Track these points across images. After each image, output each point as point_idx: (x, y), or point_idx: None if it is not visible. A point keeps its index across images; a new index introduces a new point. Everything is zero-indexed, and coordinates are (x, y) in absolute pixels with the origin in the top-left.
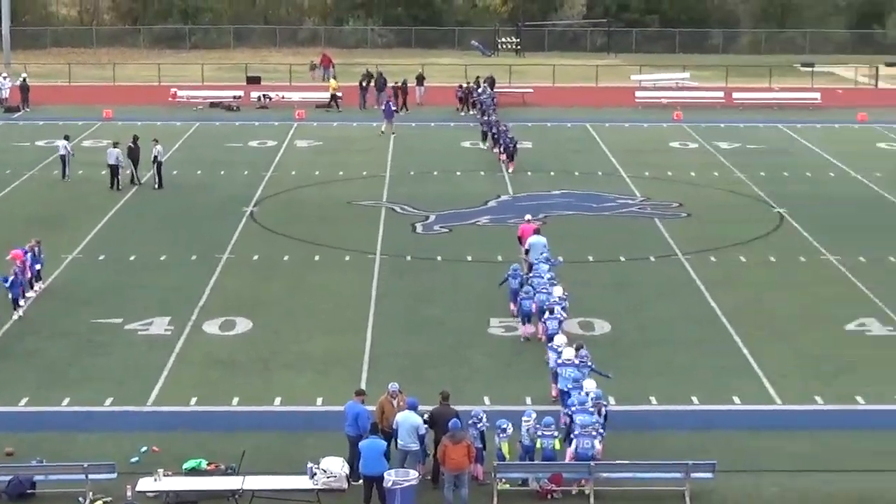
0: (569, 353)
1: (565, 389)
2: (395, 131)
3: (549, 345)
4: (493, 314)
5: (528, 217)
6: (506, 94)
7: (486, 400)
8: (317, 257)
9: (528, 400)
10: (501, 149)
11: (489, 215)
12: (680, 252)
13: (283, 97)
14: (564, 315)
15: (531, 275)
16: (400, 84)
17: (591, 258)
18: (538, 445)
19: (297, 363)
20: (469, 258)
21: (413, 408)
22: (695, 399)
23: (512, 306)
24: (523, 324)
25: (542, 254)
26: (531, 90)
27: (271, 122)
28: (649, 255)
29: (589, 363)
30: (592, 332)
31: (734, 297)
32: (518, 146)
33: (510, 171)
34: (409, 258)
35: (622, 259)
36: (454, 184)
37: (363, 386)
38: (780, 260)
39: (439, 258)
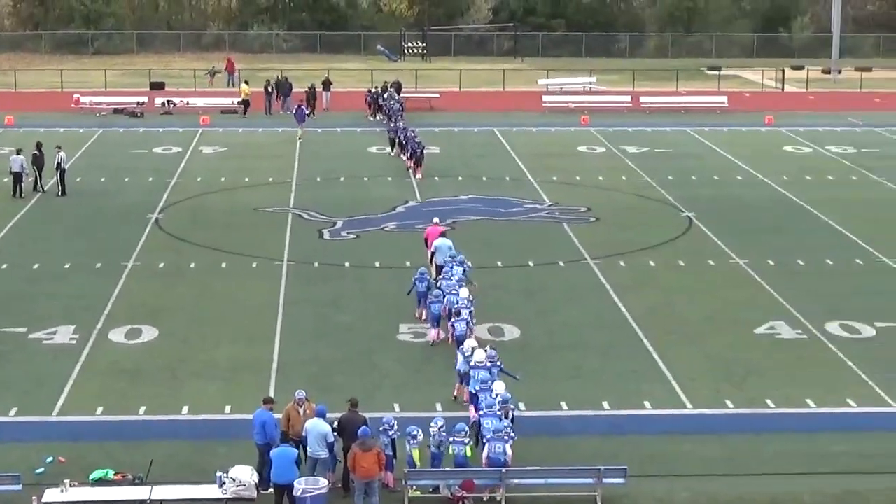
0: (480, 355)
1: (474, 391)
2: (302, 136)
3: (459, 348)
4: (403, 320)
5: (435, 220)
6: (412, 99)
7: (396, 407)
8: (223, 264)
9: (439, 406)
10: (409, 154)
11: (397, 221)
12: (589, 257)
13: (187, 103)
14: (472, 319)
15: (440, 277)
16: (309, 89)
17: (499, 263)
18: (450, 452)
19: (204, 371)
20: (377, 264)
21: (322, 415)
22: (605, 404)
23: (418, 311)
24: (433, 327)
25: (451, 256)
26: (438, 95)
27: (176, 128)
28: (558, 260)
29: (498, 363)
30: (502, 337)
31: (644, 301)
32: (425, 151)
33: (418, 177)
34: (316, 265)
35: (531, 264)
36: (361, 189)
37: (272, 394)
38: (689, 264)
39: (347, 264)
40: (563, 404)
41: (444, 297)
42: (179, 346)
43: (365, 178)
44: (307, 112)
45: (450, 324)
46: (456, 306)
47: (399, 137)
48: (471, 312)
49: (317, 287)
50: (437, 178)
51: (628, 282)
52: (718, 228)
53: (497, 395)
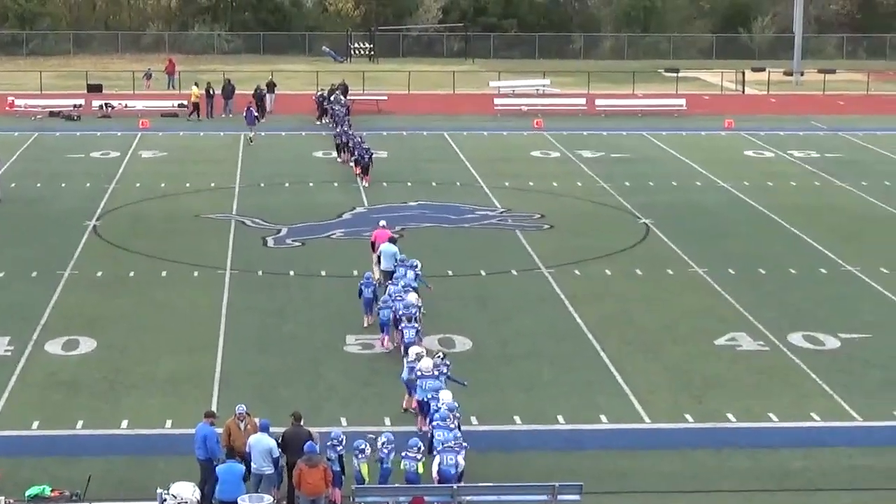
0: (427, 363)
1: (426, 400)
2: (254, 139)
3: (404, 356)
4: (350, 331)
5: (382, 223)
6: (359, 102)
7: (344, 420)
8: (164, 273)
9: (388, 420)
10: (356, 161)
11: (344, 228)
12: (543, 265)
13: (126, 106)
14: (419, 325)
15: (388, 283)
16: (256, 91)
17: (450, 272)
18: (401, 467)
19: (144, 384)
20: (323, 273)
21: (265, 429)
22: (560, 418)
23: (366, 318)
24: (382, 331)
25: (400, 260)
26: (386, 97)
27: (114, 132)
28: (511, 269)
29: (445, 370)
30: (453, 348)
31: (599, 311)
32: (374, 157)
33: (365, 184)
34: (260, 273)
35: (483, 273)
36: (307, 195)
37: (214, 407)
38: (646, 272)
39: (292, 273)
40: (517, 418)
41: (392, 302)
42: (118, 357)
43: (310, 184)
44: (256, 114)
45: (398, 329)
46: (404, 312)
47: (345, 142)
48: (418, 318)
49: (261, 296)
50: (385, 184)
51: (584, 291)
52: (677, 236)
53: (443, 403)
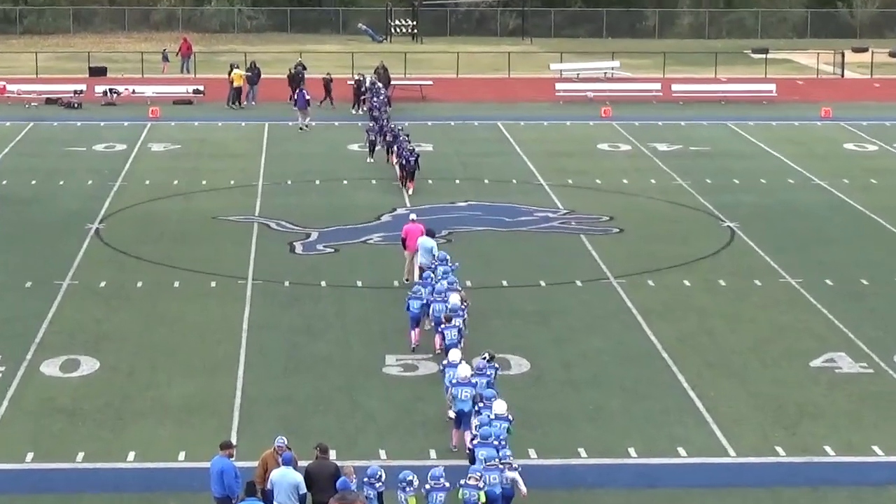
0: (464, 371)
1: (464, 412)
2: (308, 126)
3: (443, 361)
4: (390, 350)
5: (413, 216)
6: (401, 88)
7: (383, 454)
8: (176, 283)
9: (433, 453)
10: (400, 164)
11: (383, 232)
12: (612, 275)
13: (133, 92)
14: (465, 327)
15: (420, 280)
16: (295, 71)
17: (504, 283)
18: (459, 496)
19: (154, 411)
20: (360, 283)
21: (288, 463)
22: (632, 451)
23: (414, 336)
24: (412, 328)
25: (436, 257)
26: (431, 82)
27: (120, 121)
28: (575, 279)
29: (488, 373)
30: (508, 370)
31: (677, 328)
32: (419, 158)
33: (410, 192)
34: (287, 284)
35: (542, 284)
36: (340, 195)
37: (234, 438)
38: (731, 283)
39: (323, 284)
40: (582, 451)
41: (434, 302)
42: (124, 380)
43: (345, 182)
44: (308, 97)
45: (438, 330)
46: (443, 314)
47: (385, 139)
48: (464, 320)
49: (288, 311)
50: (430, 181)
51: (659, 305)
52: (766, 241)
53: (493, 414)
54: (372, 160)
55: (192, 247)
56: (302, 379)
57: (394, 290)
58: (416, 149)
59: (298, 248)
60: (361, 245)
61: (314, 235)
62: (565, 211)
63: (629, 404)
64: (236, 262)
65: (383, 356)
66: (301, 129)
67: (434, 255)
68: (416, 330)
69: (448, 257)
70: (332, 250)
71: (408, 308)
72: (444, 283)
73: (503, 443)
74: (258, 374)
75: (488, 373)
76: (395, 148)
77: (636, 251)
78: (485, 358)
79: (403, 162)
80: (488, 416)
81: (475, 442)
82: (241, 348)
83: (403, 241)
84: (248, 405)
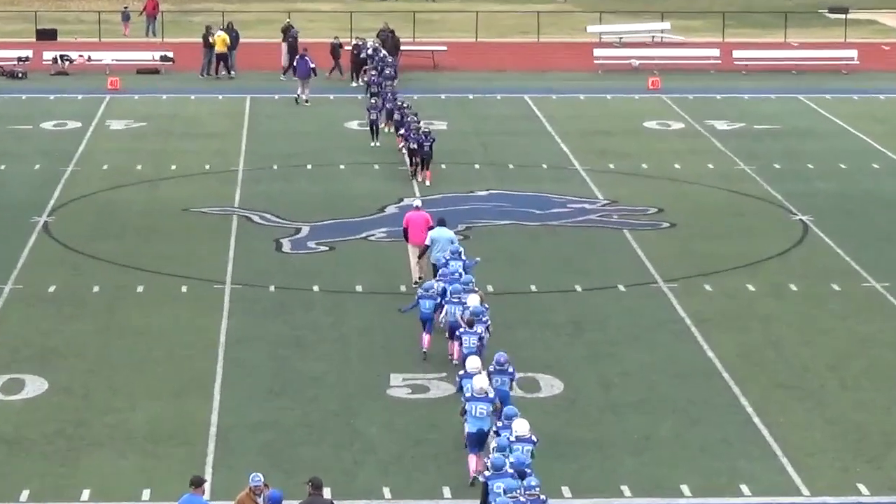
0: (481, 383)
1: (473, 432)
2: (305, 100)
3: (460, 372)
4: (396, 367)
5: (416, 203)
6: (408, 54)
7: (387, 491)
8: (140, 288)
9: (447, 491)
10: (410, 148)
11: (387, 227)
12: (661, 278)
13: (89, 59)
14: (488, 334)
15: (436, 278)
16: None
17: (533, 287)
18: None
19: (113, 440)
20: (359, 288)
21: (277, 502)
22: (685, 488)
23: (426, 338)
24: (424, 328)
25: (449, 251)
26: (445, 48)
27: (73, 94)
28: (617, 283)
29: (509, 370)
30: (537, 392)
31: (739, 340)
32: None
33: (427, 182)
34: (272, 288)
35: (578, 289)
36: (337, 182)
37: (208, 472)
38: (804, 288)
39: (316, 288)
40: (625, 488)
41: (450, 305)
42: (78, 403)
43: (341, 167)
44: (313, 66)
45: (454, 337)
46: (460, 317)
47: (389, 120)
48: (487, 326)
49: (273, 320)
50: (443, 166)
51: (717, 314)
52: (846, 237)
53: (515, 435)
54: (377, 144)
55: (159, 244)
56: (290, 401)
57: (400, 296)
58: (429, 129)
59: (286, 245)
60: (361, 242)
61: (305, 231)
62: (605, 201)
63: (682, 432)
64: (212, 263)
65: (387, 375)
66: (299, 101)
67: (452, 253)
68: (428, 336)
69: (462, 250)
70: (327, 248)
71: (414, 306)
72: (456, 274)
73: (528, 470)
74: (237, 395)
75: (510, 370)
76: (404, 130)
77: (690, 250)
78: (501, 365)
79: (413, 146)
80: (507, 439)
81: (487, 473)
82: (218, 365)
83: (405, 231)
84: (225, 433)
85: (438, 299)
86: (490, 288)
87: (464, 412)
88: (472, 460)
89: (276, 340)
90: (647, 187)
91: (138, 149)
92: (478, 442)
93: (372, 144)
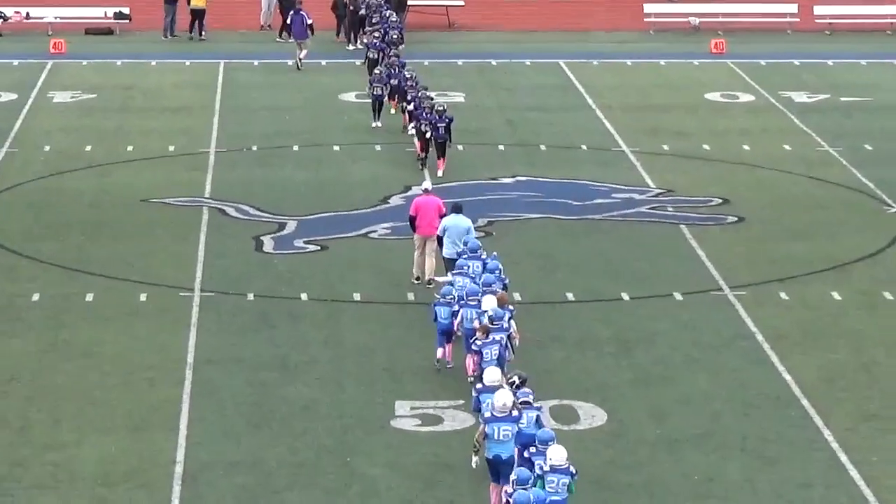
0: (503, 399)
1: (492, 459)
2: (301, 64)
3: (477, 386)
4: (402, 394)
5: (426, 185)
6: (417, 10)
7: None
8: (89, 296)
9: None
10: (418, 129)
11: (392, 221)
12: (726, 284)
13: (27, 16)
14: (511, 345)
15: (451, 277)
16: None
17: (570, 296)
18: None
19: (57, 482)
20: (357, 296)
21: None
22: None
23: (443, 352)
24: (441, 343)
25: (466, 244)
26: (462, 2)
27: (8, 58)
28: (672, 291)
29: (530, 410)
30: (574, 424)
31: (822, 361)
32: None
33: (439, 173)
34: (251, 297)
35: (625, 297)
36: (330, 167)
37: None
38: None
39: (305, 297)
40: None
41: (465, 308)
42: (14, 438)
43: (336, 148)
44: (310, 22)
45: (472, 349)
46: (477, 323)
47: (394, 94)
48: (510, 335)
49: (253, 337)
50: (460, 147)
51: (795, 328)
52: None
53: (550, 464)
54: (378, 124)
55: (112, 243)
56: (273, 436)
57: (409, 306)
58: (445, 106)
59: (268, 244)
60: (360, 240)
61: (291, 226)
62: (659, 190)
63: (752, 473)
64: (178, 266)
65: (392, 403)
66: (300, 66)
67: (469, 247)
68: (447, 347)
69: (480, 246)
70: (318, 248)
71: (434, 318)
72: (479, 279)
73: None
74: (209, 428)
75: (531, 411)
76: (412, 106)
77: (762, 250)
78: (512, 382)
79: (425, 128)
80: (541, 468)
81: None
82: (185, 392)
83: (412, 220)
84: (193, 474)
85: (457, 307)
86: (517, 297)
87: (484, 437)
88: (494, 493)
89: (257, 361)
90: (709, 173)
91: (87, 126)
92: (500, 471)
93: (373, 125)
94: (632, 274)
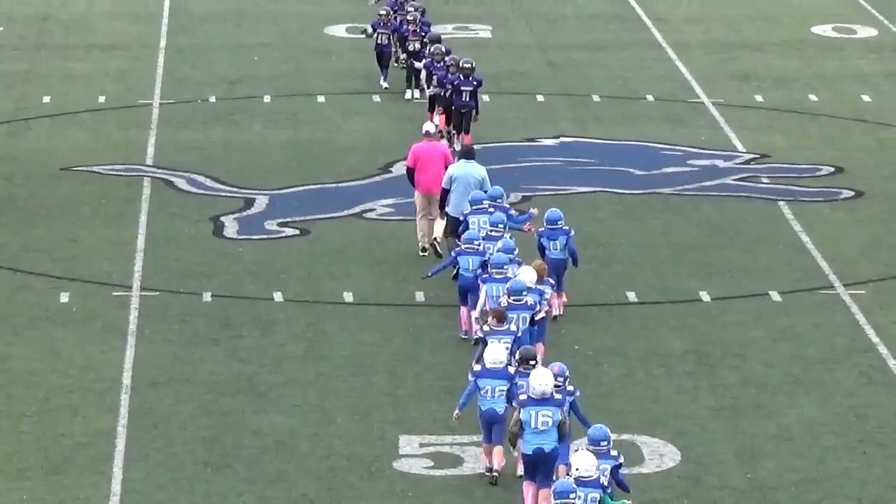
0: (542, 379)
1: (531, 453)
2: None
3: (475, 368)
4: (407, 426)
5: (428, 128)
6: None
7: None
8: None
9: None
10: (438, 95)
11: (393, 197)
12: (839, 280)
13: None
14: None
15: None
16: None
17: (632, 296)
18: None
19: None
20: (349, 296)
21: None
22: None
23: (463, 313)
24: (463, 304)
25: (486, 197)
26: None
27: None
28: (768, 288)
29: (568, 395)
30: (639, 466)
31: None
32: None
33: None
34: (208, 297)
35: (705, 297)
36: (310, 124)
37: None
38: None
39: (279, 297)
40: None
41: (490, 283)
42: None
43: (320, 99)
44: None
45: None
46: (508, 296)
47: (401, 43)
48: (542, 300)
49: (210, 350)
50: (486, 98)
51: None
52: None
53: (576, 474)
54: (387, 84)
55: (23, 225)
56: (238, 481)
57: (416, 308)
58: (473, 64)
59: (231, 227)
60: (353, 221)
61: (261, 203)
62: (751, 156)
63: None
64: (110, 256)
65: (395, 437)
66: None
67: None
68: (466, 313)
69: (503, 194)
70: (297, 232)
71: (455, 273)
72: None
73: None
74: (153, 472)
75: (569, 395)
76: (425, 63)
77: (886, 235)
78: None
79: (446, 93)
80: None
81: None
82: (119, 423)
83: (410, 173)
84: None
85: (487, 255)
86: (564, 298)
87: (519, 426)
88: (529, 493)
89: (215, 382)
90: (817, 133)
91: None
92: (538, 467)
93: (382, 84)
94: (714, 267)
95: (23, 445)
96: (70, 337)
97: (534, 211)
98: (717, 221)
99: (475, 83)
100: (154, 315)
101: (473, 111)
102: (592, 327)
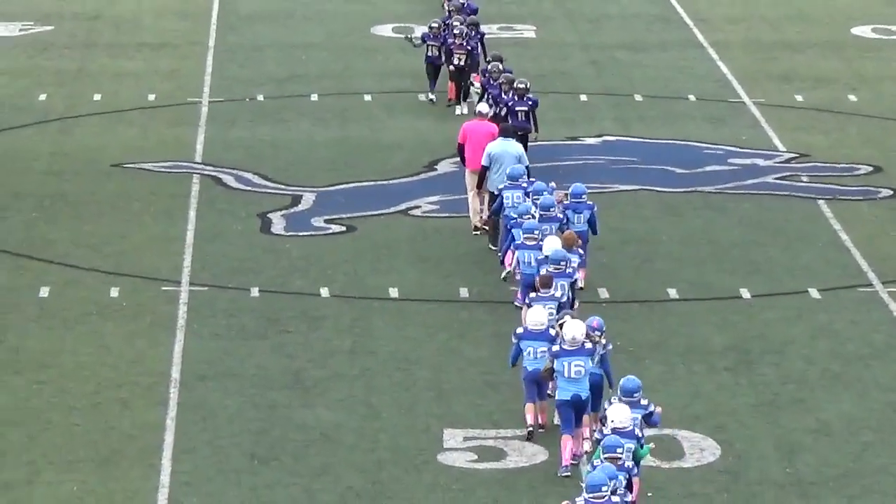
0: (574, 329)
1: (566, 399)
2: None
3: (517, 331)
4: (452, 419)
5: (481, 108)
6: None
7: None
8: (43, 291)
9: None
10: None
11: (440, 194)
12: (879, 278)
13: None
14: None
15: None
16: None
17: (673, 293)
18: None
19: None
20: (394, 292)
21: None
22: None
23: (508, 259)
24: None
25: (516, 176)
26: None
27: None
28: (807, 286)
29: (602, 349)
30: (679, 460)
31: None
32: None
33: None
34: (256, 292)
35: (745, 295)
36: (358, 123)
37: None
38: None
39: (326, 293)
40: None
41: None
42: None
43: (367, 98)
44: None
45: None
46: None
47: (448, 57)
48: (573, 283)
49: (258, 344)
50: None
51: None
52: None
53: (611, 426)
54: (433, 97)
55: (73, 221)
56: (284, 474)
57: (461, 303)
58: (528, 84)
59: (278, 223)
60: (399, 218)
61: (308, 200)
62: (791, 155)
63: None
64: (159, 251)
65: (439, 431)
66: None
67: (521, 176)
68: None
69: (524, 175)
70: (343, 228)
71: (516, 263)
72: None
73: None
74: (200, 464)
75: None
76: (480, 76)
77: None
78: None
79: (500, 112)
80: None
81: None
82: (168, 416)
83: (460, 149)
84: None
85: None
86: (604, 293)
87: (552, 374)
88: (566, 445)
89: (263, 376)
90: (856, 133)
91: (40, 68)
92: (572, 415)
93: (429, 96)
94: (754, 264)
95: (73, 438)
96: (119, 331)
97: (553, 185)
98: (758, 220)
99: (530, 103)
100: (202, 310)
101: (531, 132)
102: (634, 323)
